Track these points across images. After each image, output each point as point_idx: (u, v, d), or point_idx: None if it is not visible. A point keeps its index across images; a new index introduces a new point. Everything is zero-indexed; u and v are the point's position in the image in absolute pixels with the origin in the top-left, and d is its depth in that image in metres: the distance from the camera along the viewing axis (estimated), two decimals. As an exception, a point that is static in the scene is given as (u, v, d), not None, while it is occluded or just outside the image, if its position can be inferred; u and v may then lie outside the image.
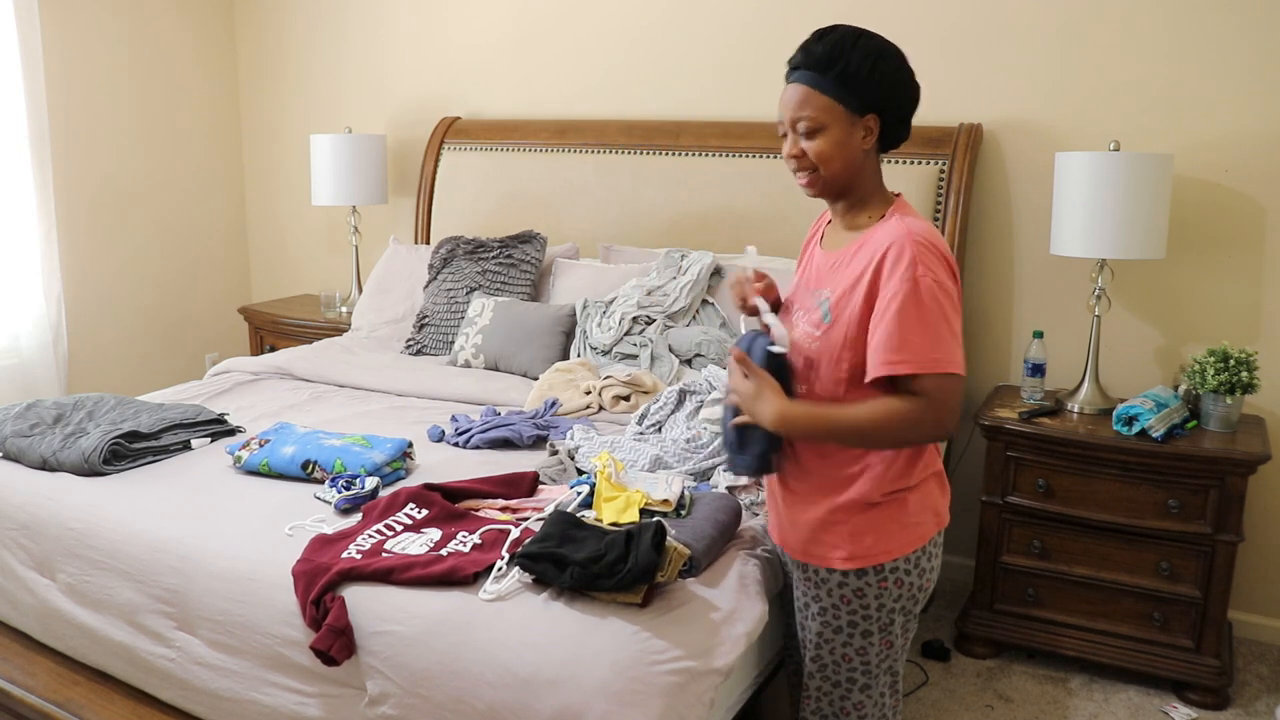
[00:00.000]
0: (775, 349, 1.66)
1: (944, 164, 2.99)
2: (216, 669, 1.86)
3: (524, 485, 2.11)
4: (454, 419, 2.59)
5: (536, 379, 2.94)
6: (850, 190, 1.69)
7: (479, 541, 1.84)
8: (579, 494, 1.99)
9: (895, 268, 1.55)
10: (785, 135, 1.68)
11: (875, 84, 1.60)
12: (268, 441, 2.29)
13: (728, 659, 1.66)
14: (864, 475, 1.66)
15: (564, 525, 1.76)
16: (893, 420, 1.55)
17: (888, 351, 1.53)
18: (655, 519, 1.76)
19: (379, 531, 1.90)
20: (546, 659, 1.55)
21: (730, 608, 1.75)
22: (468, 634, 1.61)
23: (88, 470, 2.21)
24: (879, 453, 1.65)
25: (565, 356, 3.06)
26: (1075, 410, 2.79)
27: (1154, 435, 2.54)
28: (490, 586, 1.69)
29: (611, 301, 3.08)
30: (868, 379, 1.58)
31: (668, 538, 1.69)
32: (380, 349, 3.41)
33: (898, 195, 1.73)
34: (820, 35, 1.65)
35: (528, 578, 1.71)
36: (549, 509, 1.88)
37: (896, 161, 3.04)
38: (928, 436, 1.59)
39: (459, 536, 1.86)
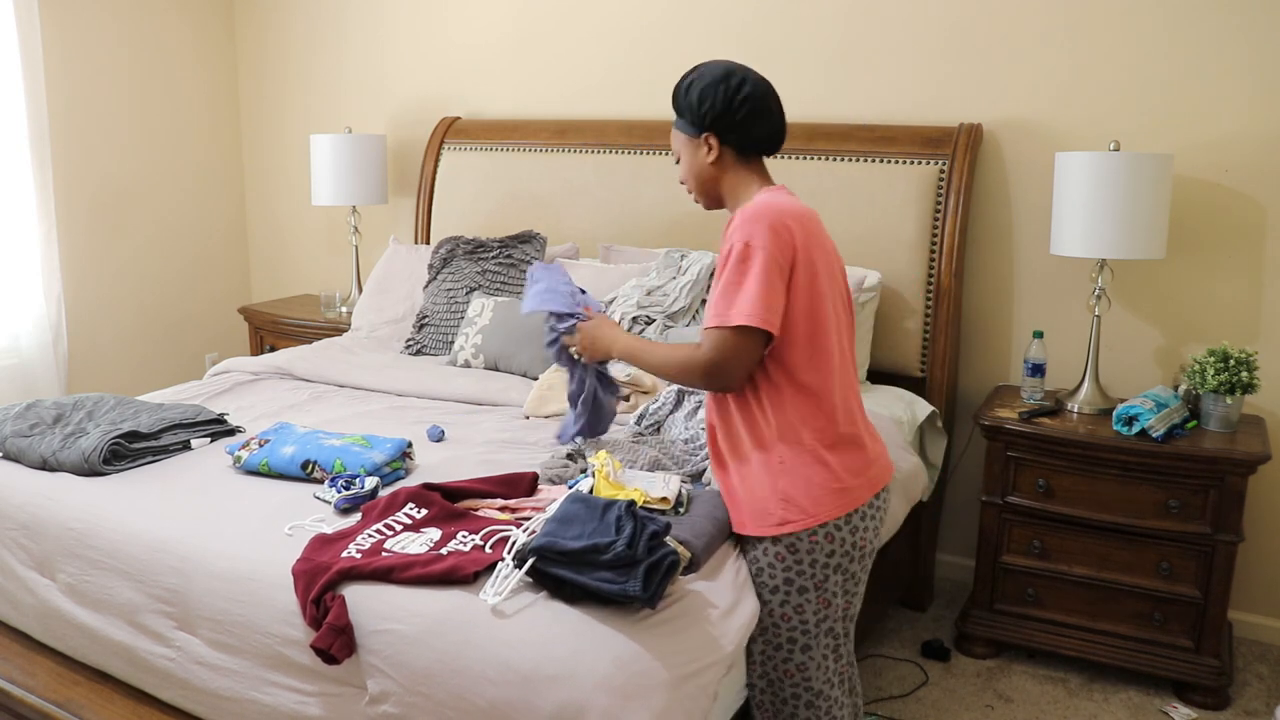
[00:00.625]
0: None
1: (944, 164, 2.99)
2: (216, 669, 1.86)
3: (523, 485, 2.11)
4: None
5: (536, 379, 2.94)
6: (723, 200, 1.96)
7: (479, 541, 1.84)
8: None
9: (726, 242, 1.81)
10: None
11: (696, 105, 1.87)
12: (267, 441, 2.29)
13: (728, 652, 1.67)
14: (745, 431, 1.86)
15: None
16: (672, 361, 1.86)
17: (712, 305, 1.79)
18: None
19: (379, 531, 1.90)
20: (547, 655, 1.55)
21: (730, 601, 1.76)
22: (468, 632, 1.61)
23: (88, 470, 2.21)
24: (752, 411, 1.85)
25: (565, 356, 3.06)
26: (1075, 410, 2.79)
27: (1154, 435, 2.54)
28: (492, 595, 1.67)
29: (611, 301, 3.08)
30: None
31: (669, 542, 1.69)
32: (380, 349, 3.41)
33: (772, 187, 1.91)
34: None
35: (528, 578, 1.71)
36: (549, 509, 1.88)
37: (897, 161, 3.04)
38: (699, 382, 1.83)
39: (459, 536, 1.86)
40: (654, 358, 1.93)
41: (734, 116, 1.86)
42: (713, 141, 1.88)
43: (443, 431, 2.55)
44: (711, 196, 1.97)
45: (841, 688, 1.94)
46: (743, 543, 1.90)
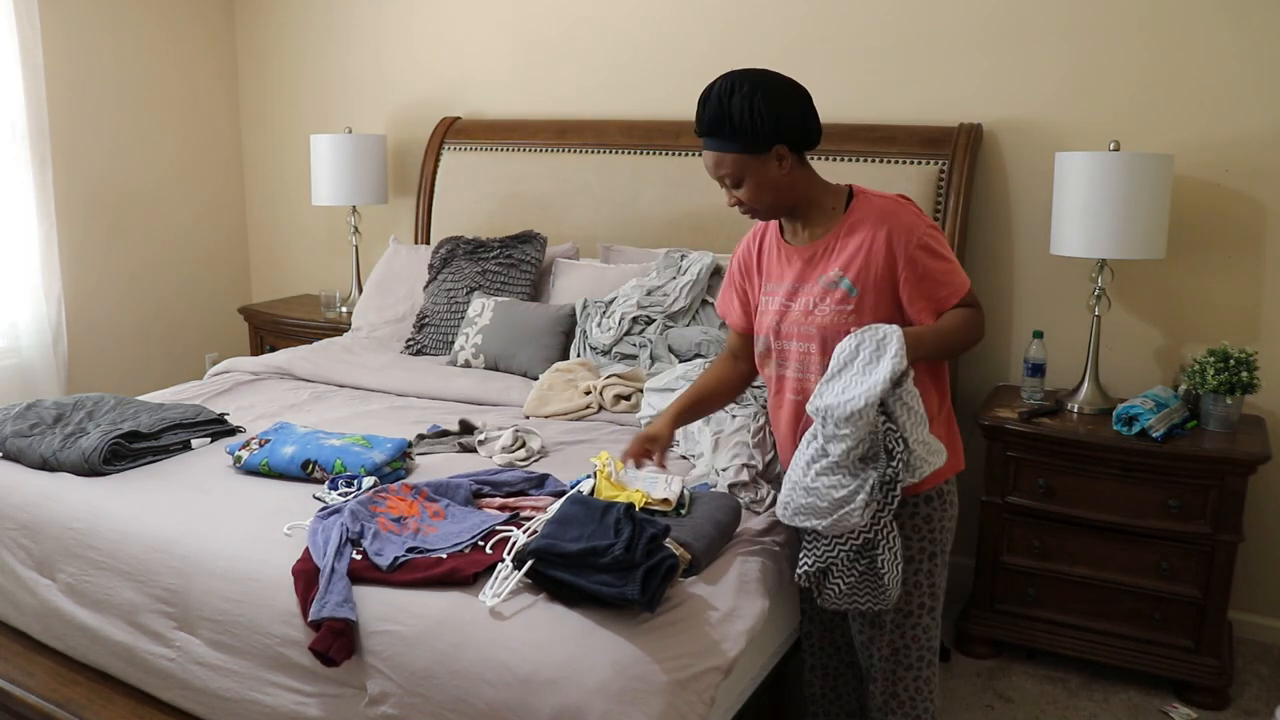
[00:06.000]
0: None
1: (944, 164, 2.99)
2: (216, 669, 1.87)
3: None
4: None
5: (536, 379, 2.94)
6: (796, 205, 1.87)
7: (480, 541, 1.84)
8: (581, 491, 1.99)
9: (911, 235, 1.78)
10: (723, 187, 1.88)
11: (761, 123, 1.76)
12: (268, 441, 2.29)
13: (728, 657, 1.67)
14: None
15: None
16: (968, 326, 1.83)
17: (944, 289, 1.81)
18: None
19: (379, 531, 1.90)
20: (547, 658, 1.55)
21: (730, 606, 1.76)
22: (468, 634, 1.61)
23: (88, 470, 2.21)
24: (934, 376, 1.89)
25: (565, 356, 3.06)
26: (1075, 410, 2.79)
27: (1154, 435, 2.54)
28: (491, 597, 1.67)
29: (611, 301, 3.08)
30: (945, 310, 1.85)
31: (669, 544, 1.70)
32: (380, 349, 3.41)
33: (848, 186, 1.90)
34: (702, 101, 1.81)
35: (527, 580, 1.71)
36: (550, 508, 1.88)
37: (897, 161, 3.04)
38: (981, 334, 1.87)
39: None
40: (959, 334, 1.84)
41: (806, 122, 1.81)
42: (783, 151, 1.80)
43: (443, 432, 2.55)
44: (786, 206, 1.87)
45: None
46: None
